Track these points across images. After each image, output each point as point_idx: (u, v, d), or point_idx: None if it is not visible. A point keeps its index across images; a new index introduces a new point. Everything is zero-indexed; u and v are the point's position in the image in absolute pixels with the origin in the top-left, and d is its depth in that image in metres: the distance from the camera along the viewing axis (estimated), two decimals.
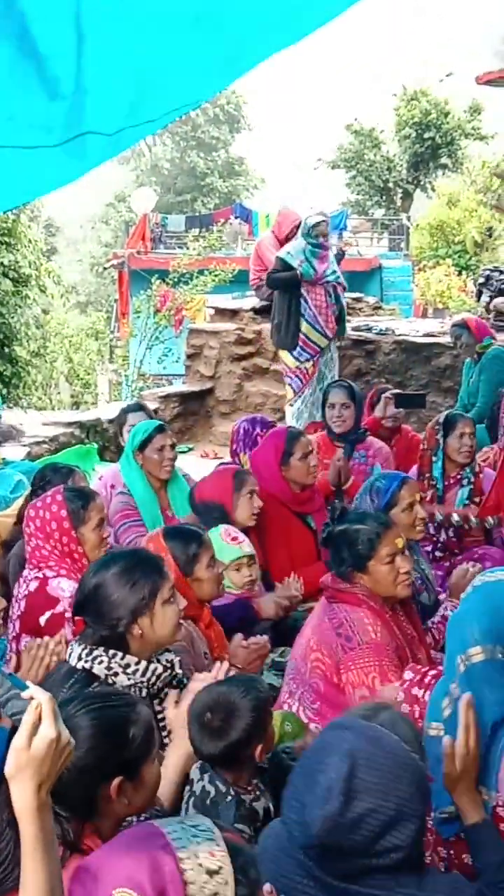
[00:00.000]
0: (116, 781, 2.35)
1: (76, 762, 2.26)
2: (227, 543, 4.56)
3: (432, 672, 3.36)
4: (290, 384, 9.48)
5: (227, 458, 7.20)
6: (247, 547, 4.64)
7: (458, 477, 5.87)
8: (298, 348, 9.26)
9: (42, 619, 4.00)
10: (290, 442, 5.57)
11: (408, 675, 3.40)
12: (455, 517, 5.64)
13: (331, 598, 3.86)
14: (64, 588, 4.03)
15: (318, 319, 9.25)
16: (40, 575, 4.11)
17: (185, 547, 3.95)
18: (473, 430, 6.01)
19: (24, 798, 1.96)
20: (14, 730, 2.02)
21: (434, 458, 5.88)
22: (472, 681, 2.62)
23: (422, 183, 35.62)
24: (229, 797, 2.98)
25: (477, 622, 2.69)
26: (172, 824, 1.83)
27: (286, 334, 9.38)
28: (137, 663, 3.14)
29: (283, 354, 9.52)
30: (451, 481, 5.87)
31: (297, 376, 9.36)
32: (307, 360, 9.28)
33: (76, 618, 3.32)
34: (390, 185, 35.50)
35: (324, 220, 9.45)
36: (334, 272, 9.43)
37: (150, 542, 3.97)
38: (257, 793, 3.08)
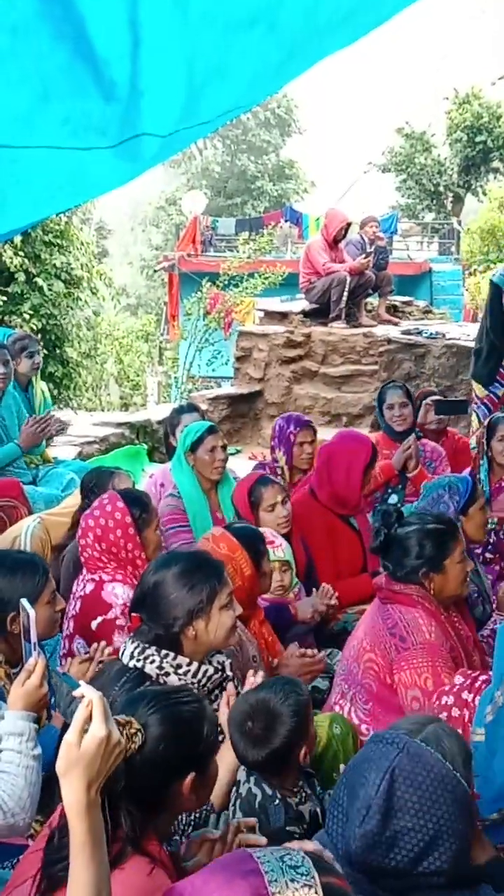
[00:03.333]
0: (190, 777, 2.37)
1: (153, 759, 2.28)
2: None
3: (483, 677, 3.32)
4: (476, 412, 7.97)
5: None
6: (281, 552, 4.65)
7: None
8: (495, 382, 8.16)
9: (94, 624, 4.02)
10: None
11: (458, 679, 3.36)
12: None
13: (385, 599, 3.84)
14: (118, 594, 4.04)
15: None
16: (97, 577, 4.14)
17: (255, 544, 4.04)
18: None
19: (73, 795, 1.98)
20: (66, 728, 2.04)
21: (481, 461, 5.97)
22: None
23: (473, 187, 35.45)
24: (276, 800, 2.98)
25: None
26: (271, 860, 1.73)
27: (483, 367, 8.10)
28: (189, 664, 3.15)
29: (475, 384, 8.26)
30: (502, 483, 5.92)
31: (484, 404, 8.05)
32: (499, 388, 8.07)
33: (132, 614, 3.33)
34: (441, 188, 35.37)
35: None
36: None
37: (222, 539, 3.98)
38: (303, 796, 3.08)
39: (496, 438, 6.00)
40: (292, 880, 1.68)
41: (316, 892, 1.67)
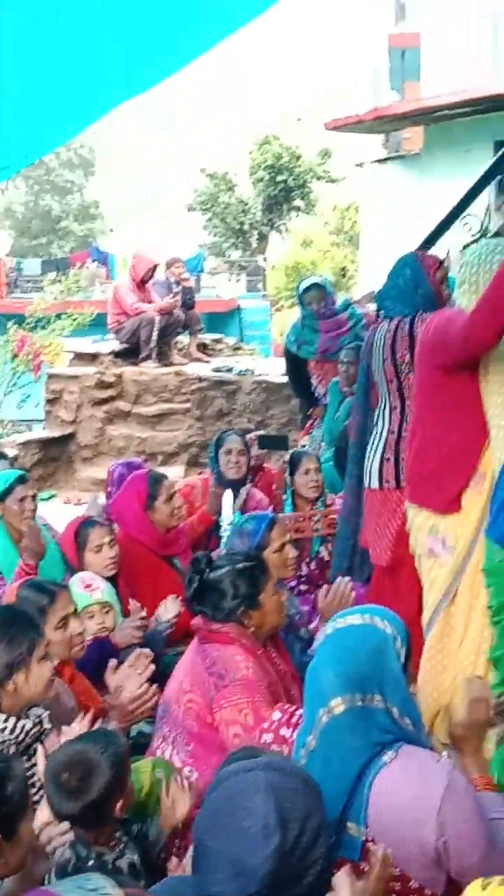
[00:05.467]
0: None
1: None
2: (80, 591, 4.54)
3: (300, 711, 3.34)
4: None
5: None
6: (99, 594, 4.61)
7: (313, 513, 6.09)
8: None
9: None
10: (153, 485, 5.57)
11: (276, 715, 3.37)
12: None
13: (203, 639, 3.84)
14: None
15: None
16: None
17: (38, 598, 3.81)
18: (318, 466, 6.28)
19: None
20: None
21: (284, 497, 6.12)
22: (336, 731, 2.61)
23: (276, 225, 36.26)
24: (91, 861, 2.86)
25: (333, 671, 2.67)
26: (70, 890, 1.71)
27: (300, 414, 8.89)
28: (6, 720, 3.06)
29: None
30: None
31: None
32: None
33: None
34: (245, 227, 36.02)
35: (314, 286, 8.21)
36: (356, 338, 7.69)
37: (5, 597, 3.89)
38: (121, 847, 2.99)
39: (300, 472, 6.13)
40: None
41: None
